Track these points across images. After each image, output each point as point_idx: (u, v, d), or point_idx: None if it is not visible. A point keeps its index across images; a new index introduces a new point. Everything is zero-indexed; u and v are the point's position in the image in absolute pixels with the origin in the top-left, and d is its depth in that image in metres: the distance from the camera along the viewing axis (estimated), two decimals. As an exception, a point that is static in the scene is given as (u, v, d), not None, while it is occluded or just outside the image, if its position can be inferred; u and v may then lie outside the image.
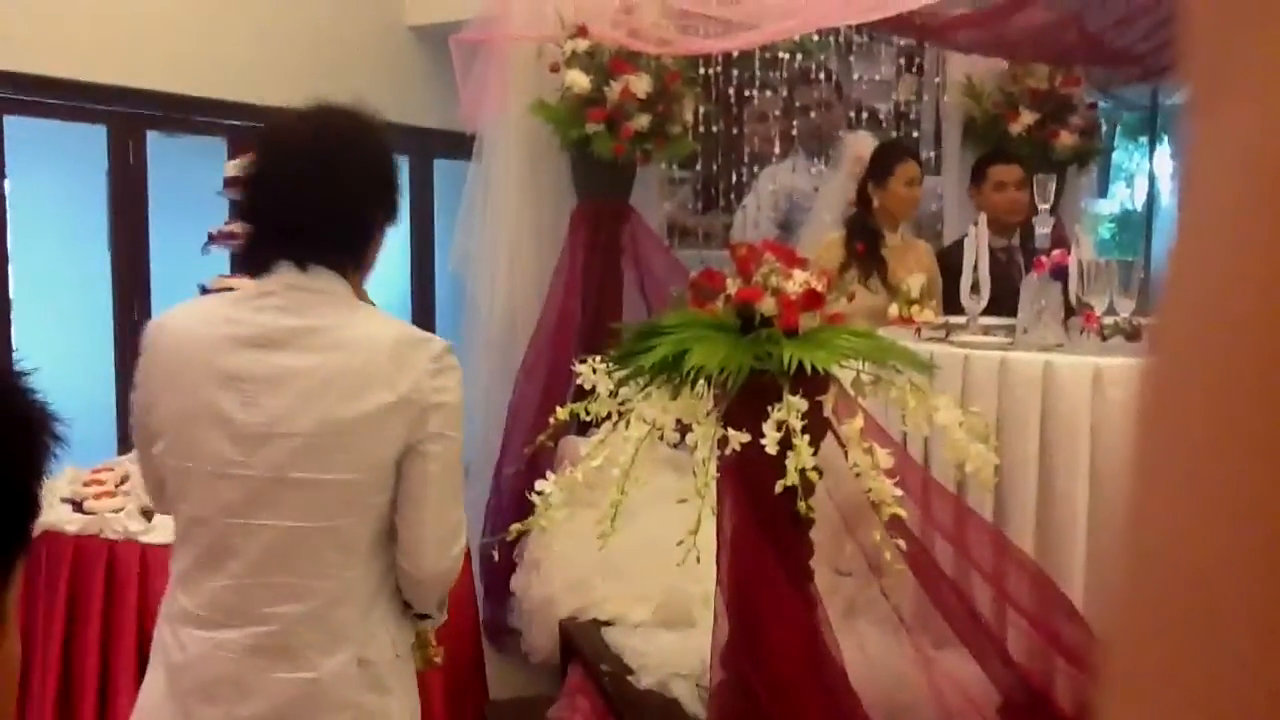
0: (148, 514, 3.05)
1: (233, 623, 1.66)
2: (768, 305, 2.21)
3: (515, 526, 2.28)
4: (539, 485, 2.22)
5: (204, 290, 3.39)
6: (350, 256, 1.75)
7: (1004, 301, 3.22)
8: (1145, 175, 7.48)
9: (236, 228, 3.38)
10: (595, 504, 2.40)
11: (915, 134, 4.94)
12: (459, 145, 5.17)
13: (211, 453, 1.66)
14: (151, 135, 4.56)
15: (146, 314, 4.43)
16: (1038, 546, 2.56)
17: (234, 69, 4.74)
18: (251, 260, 1.76)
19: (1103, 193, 7.22)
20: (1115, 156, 8.31)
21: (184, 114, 4.61)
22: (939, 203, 4.79)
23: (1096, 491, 2.50)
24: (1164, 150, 7.02)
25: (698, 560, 2.10)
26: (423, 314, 5.99)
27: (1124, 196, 8.35)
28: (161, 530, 2.96)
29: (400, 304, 5.81)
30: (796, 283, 2.23)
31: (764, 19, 3.68)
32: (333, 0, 5.28)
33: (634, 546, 3.08)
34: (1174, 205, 0.30)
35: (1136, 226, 7.30)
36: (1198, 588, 0.27)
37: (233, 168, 3.44)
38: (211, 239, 3.43)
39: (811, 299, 2.22)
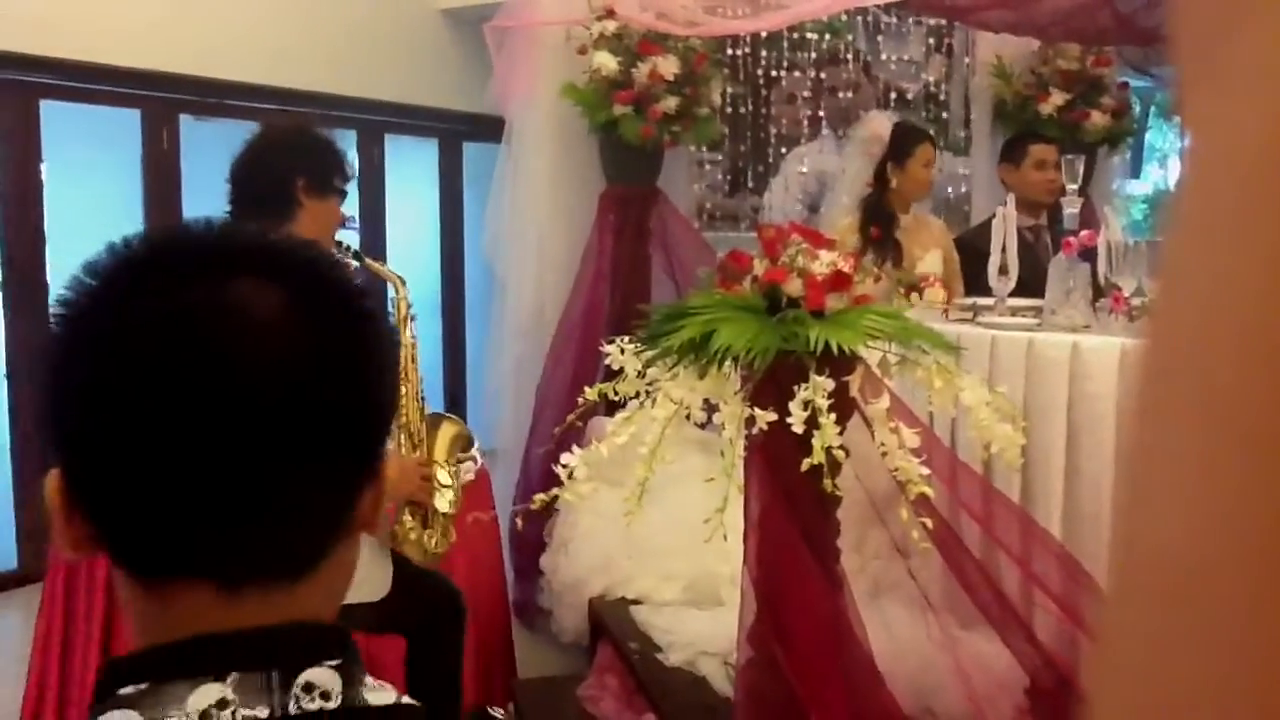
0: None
1: None
2: (794, 286, 2.22)
3: (539, 497, 2.30)
4: (564, 459, 2.24)
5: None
6: (273, 218, 2.33)
7: (1031, 282, 3.21)
8: (1178, 156, 7.41)
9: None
10: (623, 483, 2.42)
11: (945, 115, 4.91)
12: (489, 129, 5.20)
13: None
14: (185, 120, 4.61)
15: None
16: (1065, 529, 2.56)
17: (267, 54, 4.78)
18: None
19: (1135, 173, 7.17)
20: (1149, 137, 8.22)
21: (217, 98, 4.66)
22: (967, 184, 4.77)
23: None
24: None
25: (725, 539, 2.12)
26: (453, 299, 6.02)
27: (1158, 177, 8.27)
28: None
29: (430, 289, 5.84)
30: (823, 264, 2.24)
31: None
32: (363, -15, 5.31)
33: (662, 526, 3.10)
34: (1173, 192, 0.29)
35: (1167, 208, 7.22)
36: (1187, 589, 0.26)
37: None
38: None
39: (838, 280, 2.23)
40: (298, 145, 2.52)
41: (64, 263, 4.24)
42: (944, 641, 2.58)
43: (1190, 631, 0.26)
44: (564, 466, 2.17)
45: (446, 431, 2.75)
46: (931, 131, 4.05)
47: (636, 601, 3.14)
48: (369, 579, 2.44)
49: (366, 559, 2.29)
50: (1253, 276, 0.25)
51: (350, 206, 4.50)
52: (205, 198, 4.66)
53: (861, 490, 2.44)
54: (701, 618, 2.97)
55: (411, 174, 5.92)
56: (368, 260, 2.68)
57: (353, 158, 5.41)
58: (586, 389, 2.44)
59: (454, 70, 5.60)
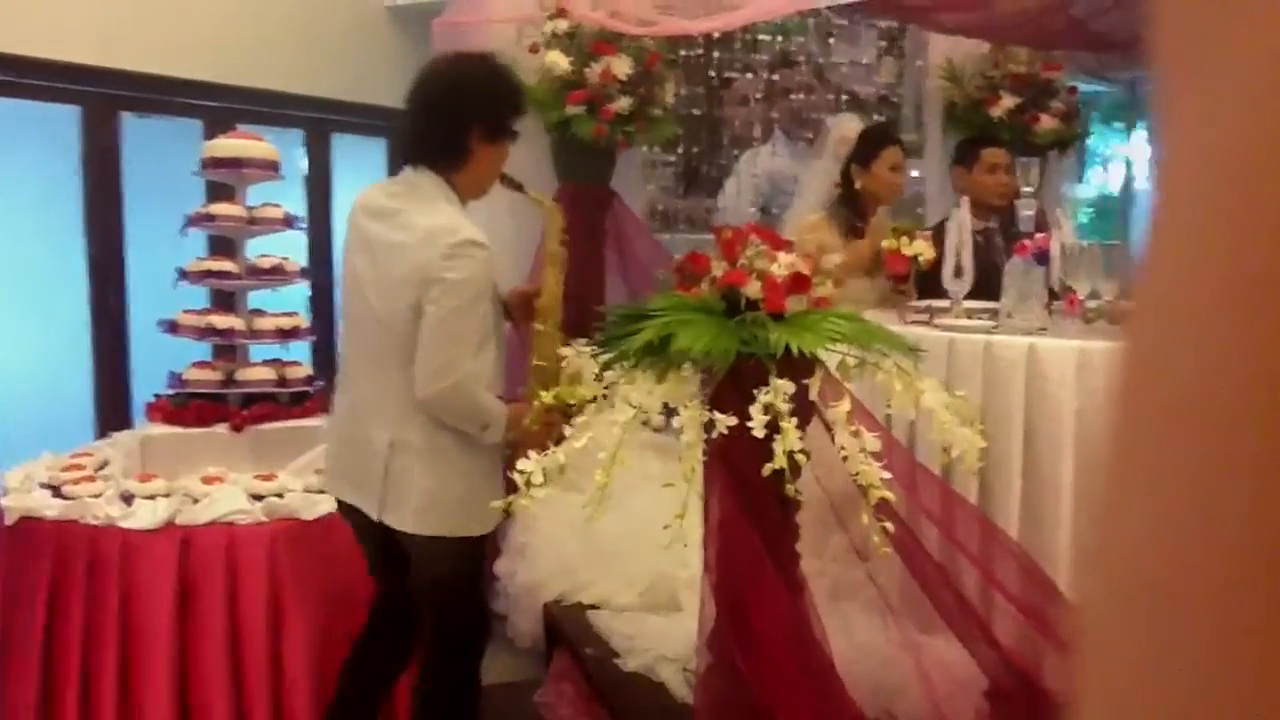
0: (127, 499, 3.02)
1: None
2: (753, 288, 2.20)
3: (495, 504, 2.27)
4: (520, 465, 2.20)
5: (183, 275, 3.35)
6: (447, 163, 2.53)
7: (984, 284, 3.22)
8: (1121, 160, 7.50)
9: (216, 209, 3.34)
10: (579, 488, 2.39)
11: (896, 117, 4.93)
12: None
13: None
14: (126, 117, 4.50)
15: (122, 299, 4.38)
16: (1023, 531, 2.57)
17: (210, 50, 4.68)
18: (395, 164, 2.68)
19: (1079, 177, 7.24)
20: (1090, 142, 8.32)
21: (159, 95, 4.55)
22: (920, 186, 4.79)
23: (1082, 476, 2.51)
24: (1140, 135, 7.04)
25: (684, 545, 2.10)
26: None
27: (1100, 181, 8.37)
28: (142, 515, 2.94)
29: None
30: (782, 266, 2.22)
31: (746, 0, 3.67)
32: (310, -19, 5.22)
33: (620, 531, 3.08)
34: (1149, 193, 0.30)
35: (1113, 211, 7.33)
36: (1161, 591, 0.26)
37: (212, 149, 3.39)
38: (190, 222, 3.38)
39: (797, 282, 2.21)
40: (478, 92, 2.58)
41: (1, 263, 4.12)
42: (904, 644, 2.57)
43: (1169, 639, 0.26)
44: (521, 473, 2.14)
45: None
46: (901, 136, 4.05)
47: (594, 606, 3.10)
48: (478, 501, 2.46)
49: (480, 485, 2.48)
50: (1223, 278, 0.25)
51: (297, 205, 4.44)
52: (147, 197, 4.57)
53: (820, 493, 2.42)
54: (661, 622, 2.94)
55: (359, 173, 5.82)
56: (529, 192, 2.91)
57: (298, 156, 5.35)
58: (543, 393, 2.40)
59: (402, 68, 5.49)
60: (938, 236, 3.72)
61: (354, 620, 3.03)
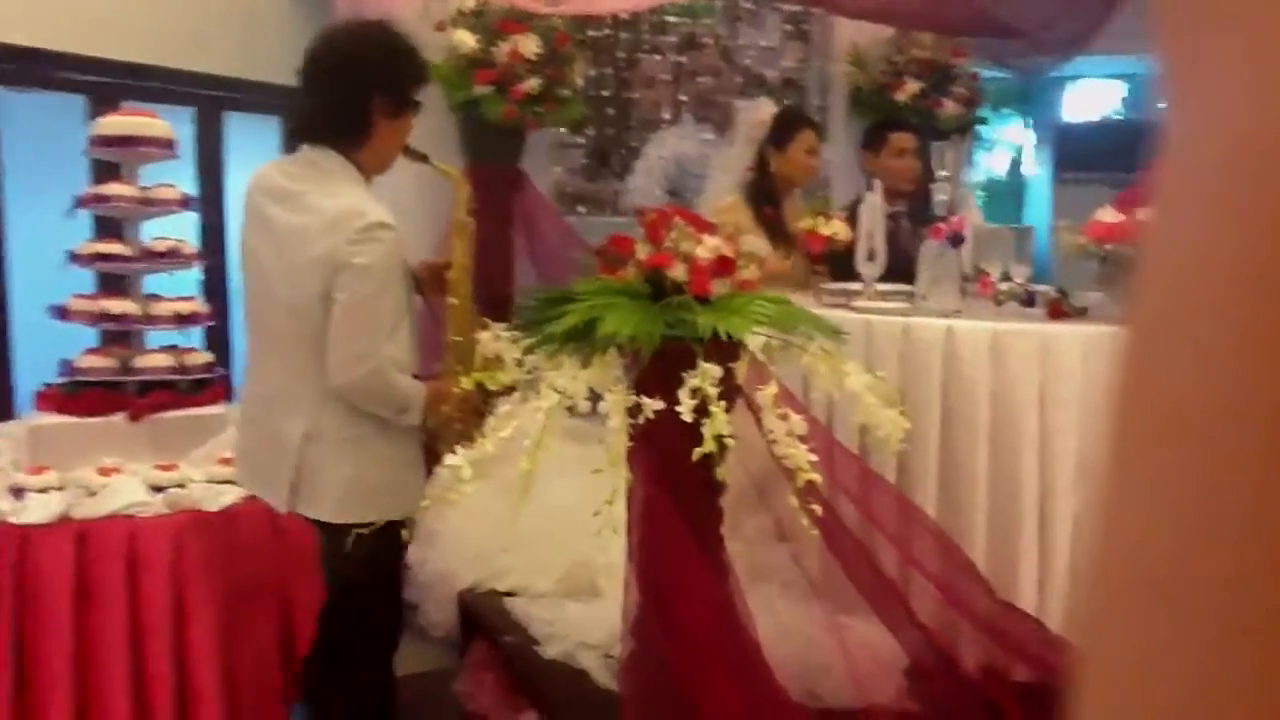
0: (17, 492, 2.88)
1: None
2: (679, 271, 2.18)
3: (424, 503, 2.22)
4: (448, 459, 2.16)
5: (73, 258, 3.20)
6: (349, 140, 2.42)
7: (893, 268, 3.26)
8: (1008, 145, 7.68)
9: (108, 190, 3.19)
10: (492, 475, 2.34)
11: (802, 101, 4.95)
12: (337, 107, 4.98)
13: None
14: (4, 92, 4.27)
15: (3, 284, 4.17)
16: (940, 510, 2.60)
17: (95, 23, 4.47)
18: (290, 142, 2.52)
19: (970, 162, 7.39)
20: (977, 127, 8.51)
21: (41, 69, 4.33)
22: (825, 170, 4.82)
23: (996, 457, 2.56)
24: (1029, 120, 7.22)
25: (615, 531, 2.08)
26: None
27: (986, 166, 8.57)
28: (34, 509, 2.80)
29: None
30: (707, 248, 2.20)
31: (654, -19, 3.64)
32: (202, -47, 5.02)
33: (535, 517, 3.03)
34: (1150, 193, 0.29)
35: (1003, 195, 7.51)
36: (1162, 590, 0.26)
37: (103, 126, 3.24)
38: (79, 203, 3.23)
39: (723, 265, 2.20)
40: (377, 63, 2.47)
41: None
42: (826, 625, 2.59)
43: (1169, 639, 0.26)
44: (448, 467, 2.09)
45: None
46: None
47: (510, 594, 3.06)
48: (398, 486, 2.47)
49: (401, 470, 2.45)
50: (1227, 285, 0.25)
51: (186, 187, 4.28)
52: (27, 176, 4.35)
53: (738, 475, 2.42)
54: (580, 609, 2.91)
55: (253, 153, 5.63)
56: (434, 162, 2.82)
57: (188, 136, 5.16)
58: (463, 379, 2.35)
59: (298, 44, 5.32)
60: (849, 219, 3.75)
61: (263, 614, 2.94)
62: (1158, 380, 0.27)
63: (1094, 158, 6.34)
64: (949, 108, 4.58)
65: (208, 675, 2.84)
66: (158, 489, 2.95)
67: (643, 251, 2.21)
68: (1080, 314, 2.74)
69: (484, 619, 3.00)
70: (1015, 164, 7.58)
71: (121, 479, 2.96)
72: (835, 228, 3.37)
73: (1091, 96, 7.24)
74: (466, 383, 2.31)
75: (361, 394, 2.40)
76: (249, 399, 2.59)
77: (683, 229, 2.21)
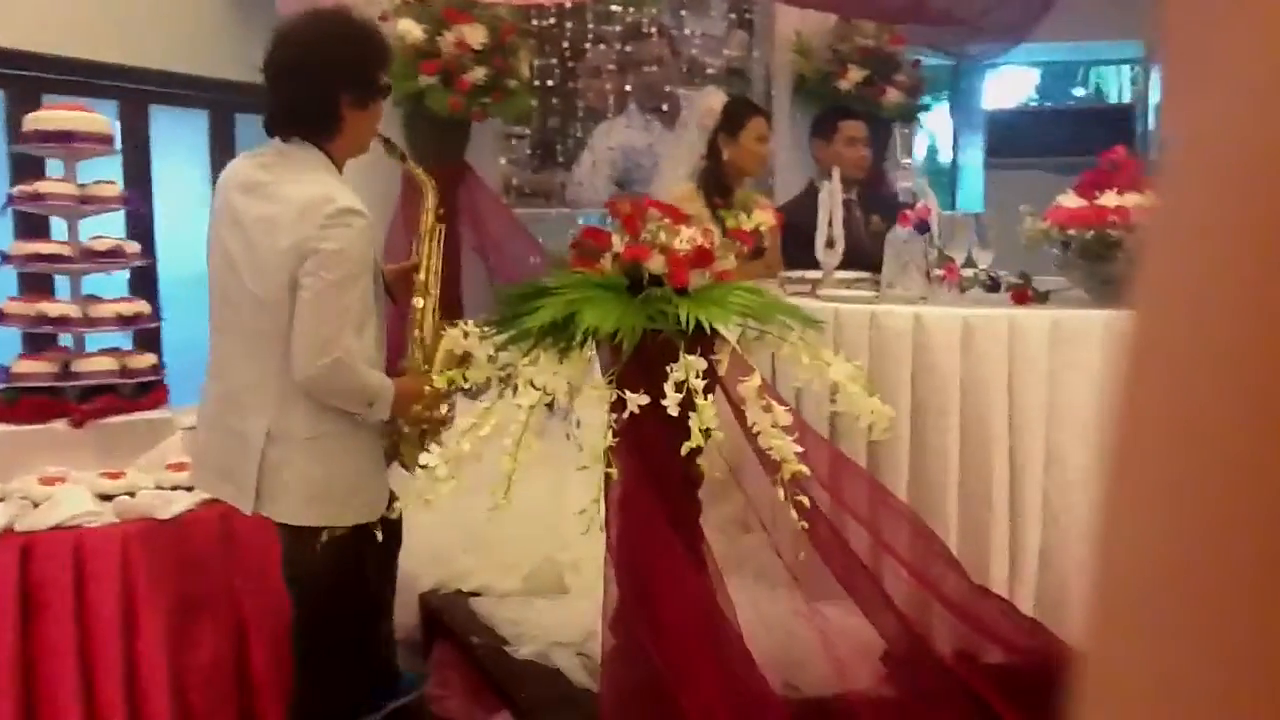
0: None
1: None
2: (657, 263, 2.15)
3: (397, 505, 2.16)
4: (423, 459, 2.10)
5: (5, 259, 3.06)
6: (319, 133, 2.39)
7: (848, 255, 3.26)
8: (939, 131, 7.76)
9: (44, 187, 3.06)
10: (454, 475, 2.29)
11: (747, 90, 4.93)
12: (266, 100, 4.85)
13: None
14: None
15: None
16: (911, 498, 2.61)
17: (15, 14, 4.29)
18: (267, 131, 2.45)
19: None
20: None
21: (-43, 62, 4.15)
22: (770, 158, 4.81)
23: (966, 443, 2.56)
24: (952, 107, 7.28)
25: (586, 530, 2.05)
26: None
27: (919, 153, 8.67)
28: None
29: (202, 269, 5.45)
30: (685, 239, 2.18)
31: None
32: (125, -58, 4.85)
33: (497, 516, 2.97)
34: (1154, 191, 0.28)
35: (938, 183, 7.58)
36: (1164, 601, 0.26)
37: (36, 120, 3.10)
38: (10, 200, 3.09)
39: (701, 256, 2.17)
40: (341, 54, 2.42)
41: None
42: (802, 613, 2.58)
43: (1173, 650, 0.26)
44: (423, 468, 2.03)
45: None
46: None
47: (475, 594, 3.00)
48: (366, 487, 2.43)
49: (368, 470, 2.41)
50: (1234, 288, 0.25)
51: (116, 180, 4.13)
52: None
53: (708, 466, 2.39)
54: (549, 607, 2.87)
55: (180, 148, 5.48)
56: (410, 164, 2.84)
57: (114, 130, 4.99)
58: (435, 377, 2.29)
59: (227, 35, 5.21)
60: (796, 210, 3.75)
61: (215, 627, 2.85)
62: (1160, 389, 0.26)
63: (1023, 144, 6.43)
64: (892, 95, 4.60)
65: (158, 690, 2.75)
66: (106, 498, 2.84)
67: (619, 244, 2.18)
68: (1043, 299, 2.76)
69: (450, 621, 2.94)
70: (932, 150, 7.65)
71: (67, 489, 2.84)
72: (760, 218, 3.36)
73: (1010, 84, 7.35)
74: (439, 381, 2.25)
75: (326, 387, 2.32)
76: (210, 398, 2.49)
77: (659, 220, 2.18)
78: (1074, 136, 6.23)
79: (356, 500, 2.40)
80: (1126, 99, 7.21)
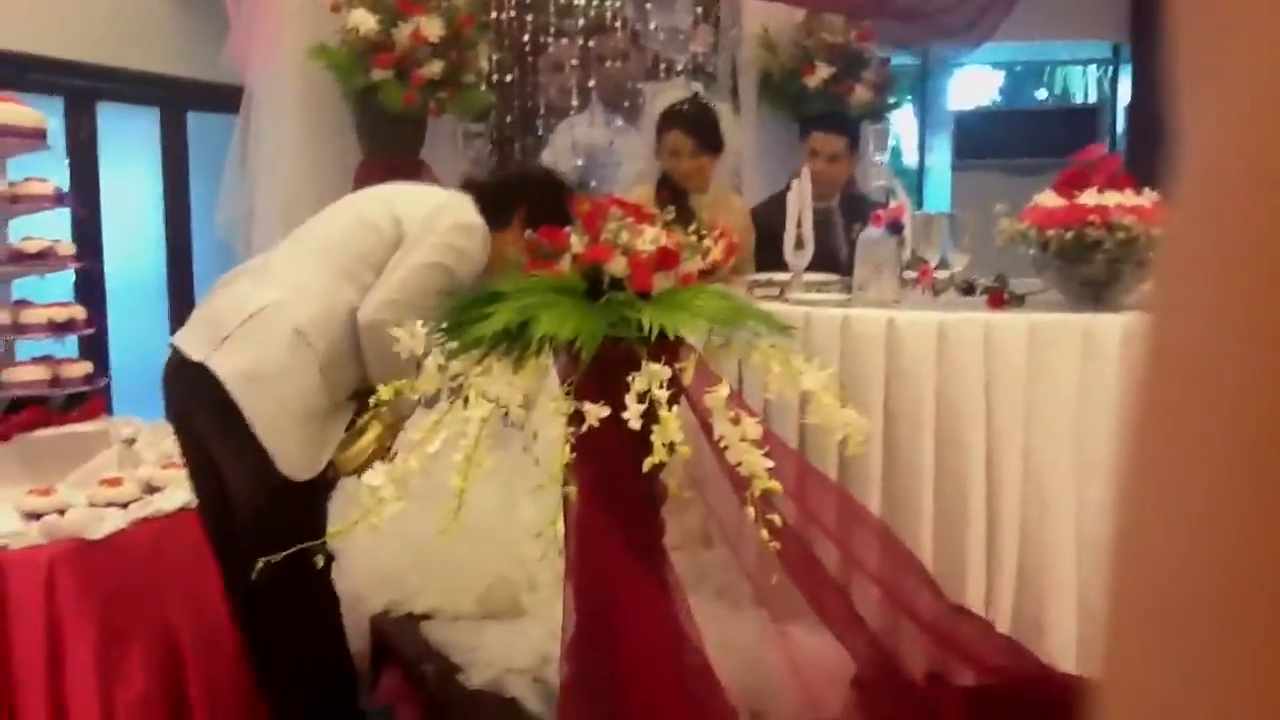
0: None
1: None
2: (618, 265, 2.02)
3: (339, 528, 2.00)
4: (368, 479, 1.96)
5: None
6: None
7: (831, 264, 3.15)
8: (904, 133, 7.68)
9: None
10: (400, 497, 2.13)
11: (712, 86, 4.81)
12: (219, 97, 4.70)
13: None
14: None
15: None
16: (884, 511, 2.49)
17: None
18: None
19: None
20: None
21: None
22: (735, 157, 4.69)
23: (942, 454, 2.45)
24: (916, 107, 7.20)
25: (560, 552, 1.91)
26: (180, 281, 5.43)
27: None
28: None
29: (155, 269, 5.28)
30: (648, 240, 2.04)
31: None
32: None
33: (449, 532, 2.81)
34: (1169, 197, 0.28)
35: (906, 184, 7.50)
36: (1179, 603, 0.26)
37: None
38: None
39: (665, 258, 2.04)
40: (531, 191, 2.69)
41: None
42: (768, 637, 2.45)
43: (1186, 651, 0.25)
44: (370, 489, 1.88)
45: None
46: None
47: (426, 617, 2.84)
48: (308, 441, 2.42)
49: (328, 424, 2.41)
50: (1254, 296, 0.25)
51: (61, 180, 3.95)
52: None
53: (674, 484, 2.26)
54: (504, 631, 2.70)
55: (128, 146, 5.30)
56: None
57: (59, 127, 4.79)
58: (380, 388, 2.14)
59: (177, 30, 5.03)
60: (767, 211, 3.62)
61: (149, 656, 2.67)
62: (1174, 393, 0.27)
63: (990, 145, 6.38)
64: (860, 93, 4.48)
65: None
66: (33, 516, 2.66)
67: (578, 244, 2.04)
68: (1019, 302, 2.65)
69: (401, 647, 2.77)
70: (896, 152, 7.58)
71: (-10, 506, 2.67)
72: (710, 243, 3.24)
73: (975, 85, 7.29)
74: (385, 392, 2.10)
75: (377, 340, 2.36)
76: (239, 271, 2.57)
77: (621, 220, 2.04)
78: (1040, 137, 6.19)
79: (295, 440, 2.38)
80: (1092, 99, 7.17)
